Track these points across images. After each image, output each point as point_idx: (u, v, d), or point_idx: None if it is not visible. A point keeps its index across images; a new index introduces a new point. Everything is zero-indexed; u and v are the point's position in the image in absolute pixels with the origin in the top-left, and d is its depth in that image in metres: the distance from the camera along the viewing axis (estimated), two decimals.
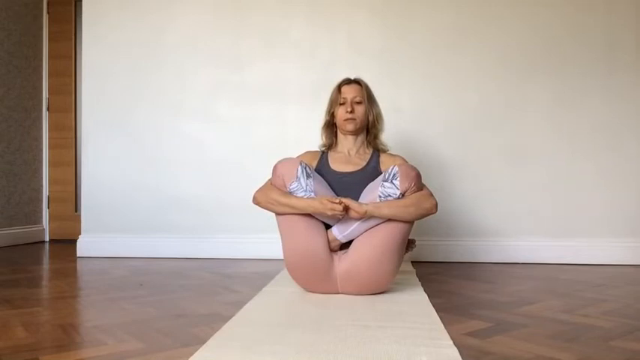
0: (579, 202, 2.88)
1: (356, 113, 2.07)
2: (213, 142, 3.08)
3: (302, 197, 1.83)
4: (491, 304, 1.82)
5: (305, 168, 1.87)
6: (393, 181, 1.79)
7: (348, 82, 2.14)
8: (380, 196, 1.79)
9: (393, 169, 1.81)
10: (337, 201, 1.75)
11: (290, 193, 1.86)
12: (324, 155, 2.13)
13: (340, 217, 1.80)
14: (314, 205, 1.79)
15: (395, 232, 1.81)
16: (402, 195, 1.80)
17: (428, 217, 1.87)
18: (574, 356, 1.23)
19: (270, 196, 1.89)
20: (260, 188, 1.97)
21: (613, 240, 2.85)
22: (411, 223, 1.85)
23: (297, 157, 2.13)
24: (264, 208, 1.94)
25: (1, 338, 1.39)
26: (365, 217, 1.78)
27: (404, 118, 2.95)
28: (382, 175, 1.84)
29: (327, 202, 1.76)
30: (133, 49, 3.14)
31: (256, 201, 1.96)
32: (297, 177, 1.84)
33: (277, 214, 1.91)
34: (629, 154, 2.86)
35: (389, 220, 1.81)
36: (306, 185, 1.83)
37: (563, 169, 2.89)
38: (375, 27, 3.00)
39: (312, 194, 1.83)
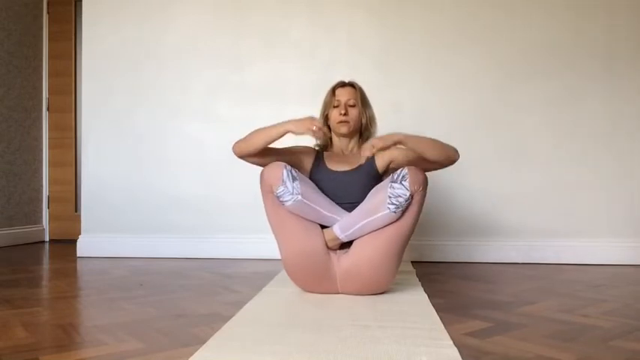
0: (579, 202, 2.88)
1: (350, 116, 2.08)
2: (213, 142, 3.08)
3: (277, 124, 1.92)
4: (491, 304, 1.82)
5: (290, 171, 1.86)
6: (403, 182, 1.79)
7: (342, 84, 2.15)
8: (390, 197, 1.79)
9: (402, 171, 1.81)
10: (313, 121, 1.85)
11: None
12: (319, 154, 2.14)
13: (318, 134, 1.86)
14: (288, 127, 1.89)
15: (398, 233, 1.82)
16: (412, 196, 1.80)
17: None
18: (574, 356, 1.24)
19: (248, 136, 1.95)
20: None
21: (613, 240, 2.85)
22: (414, 223, 1.85)
23: (294, 146, 2.14)
24: (246, 153, 1.95)
25: (1, 338, 1.39)
26: (400, 142, 1.83)
27: (404, 118, 2.95)
28: (390, 176, 1.85)
29: (305, 121, 1.86)
30: (133, 49, 3.14)
31: (237, 148, 1.97)
32: (282, 180, 1.84)
33: (259, 155, 1.96)
34: (629, 155, 2.87)
35: (392, 222, 1.81)
36: (293, 188, 1.83)
37: (563, 169, 2.89)
38: (375, 27, 3.00)
39: (299, 197, 1.83)
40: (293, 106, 3.04)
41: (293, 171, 1.88)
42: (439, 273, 2.52)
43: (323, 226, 1.92)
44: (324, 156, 2.12)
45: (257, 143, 1.91)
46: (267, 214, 1.93)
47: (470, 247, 2.91)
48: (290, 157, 2.05)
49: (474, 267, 2.73)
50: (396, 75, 2.98)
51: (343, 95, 2.10)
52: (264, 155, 1.97)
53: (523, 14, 2.93)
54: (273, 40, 3.06)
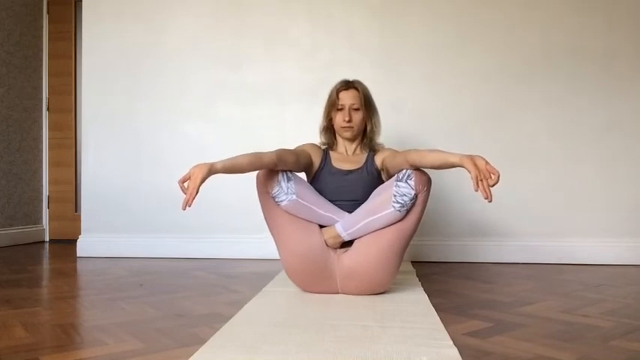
0: (579, 202, 2.88)
1: (353, 121, 2.07)
2: (213, 142, 3.08)
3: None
4: (491, 304, 1.82)
5: (285, 173, 1.90)
6: (408, 181, 1.80)
7: (345, 86, 2.12)
8: (395, 195, 1.80)
9: (407, 171, 1.82)
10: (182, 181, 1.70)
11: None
12: (326, 152, 2.14)
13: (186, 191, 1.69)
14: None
15: (400, 233, 1.83)
16: (416, 196, 1.80)
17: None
18: (574, 356, 1.24)
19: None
20: None
21: (613, 240, 2.85)
22: (416, 224, 1.85)
23: (302, 145, 2.13)
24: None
25: (1, 338, 1.39)
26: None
27: (403, 118, 2.96)
28: (395, 176, 1.86)
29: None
30: (133, 49, 3.14)
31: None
32: (278, 181, 1.88)
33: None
34: (629, 155, 2.87)
35: (395, 222, 1.82)
36: (287, 188, 1.87)
37: (563, 169, 2.89)
38: (375, 27, 3.00)
39: (294, 196, 1.86)
40: (293, 106, 3.04)
41: (288, 172, 1.91)
42: (439, 273, 2.52)
43: (323, 227, 1.92)
44: (330, 154, 2.13)
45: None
46: (265, 216, 1.95)
47: (470, 247, 2.91)
48: (304, 156, 2.04)
49: (474, 267, 2.73)
50: (396, 75, 2.98)
51: (347, 99, 2.09)
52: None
53: (523, 15, 2.92)
54: (273, 40, 3.06)
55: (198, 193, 1.71)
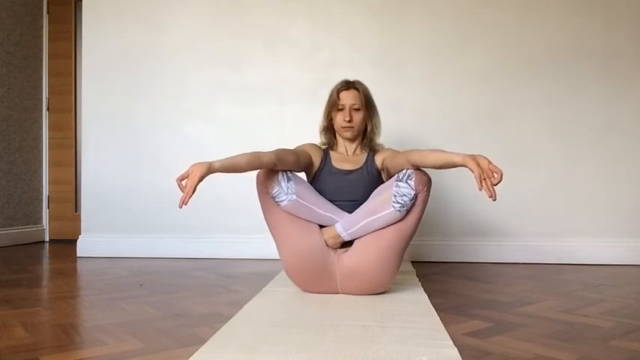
0: (579, 202, 2.88)
1: (354, 121, 2.07)
2: (213, 142, 3.08)
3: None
4: (491, 304, 1.82)
5: (285, 172, 1.90)
6: (408, 182, 1.80)
7: (346, 87, 2.12)
8: (395, 195, 1.80)
9: (407, 171, 1.82)
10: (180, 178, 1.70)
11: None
12: (326, 153, 2.14)
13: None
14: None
15: (400, 233, 1.83)
16: (416, 196, 1.80)
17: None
18: (574, 356, 1.24)
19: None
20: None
21: (613, 240, 2.85)
22: (416, 224, 1.85)
23: (302, 145, 2.13)
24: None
25: (1, 338, 1.39)
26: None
27: (403, 118, 2.96)
28: (395, 176, 1.86)
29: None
30: (133, 49, 3.14)
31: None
32: (277, 181, 1.88)
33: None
34: (629, 155, 2.87)
35: (395, 222, 1.82)
36: (287, 188, 1.87)
37: (563, 169, 2.89)
38: (375, 27, 3.00)
39: (294, 196, 1.86)
40: (293, 106, 3.04)
41: (288, 172, 1.91)
42: (439, 273, 2.52)
43: (323, 227, 1.92)
44: (330, 155, 2.13)
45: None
46: (265, 216, 1.95)
47: (470, 247, 2.91)
48: (304, 156, 2.04)
49: (474, 267, 2.73)
50: (396, 75, 2.98)
51: (347, 99, 2.09)
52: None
53: (523, 15, 2.92)
54: (273, 40, 3.06)
55: (196, 192, 1.71)
